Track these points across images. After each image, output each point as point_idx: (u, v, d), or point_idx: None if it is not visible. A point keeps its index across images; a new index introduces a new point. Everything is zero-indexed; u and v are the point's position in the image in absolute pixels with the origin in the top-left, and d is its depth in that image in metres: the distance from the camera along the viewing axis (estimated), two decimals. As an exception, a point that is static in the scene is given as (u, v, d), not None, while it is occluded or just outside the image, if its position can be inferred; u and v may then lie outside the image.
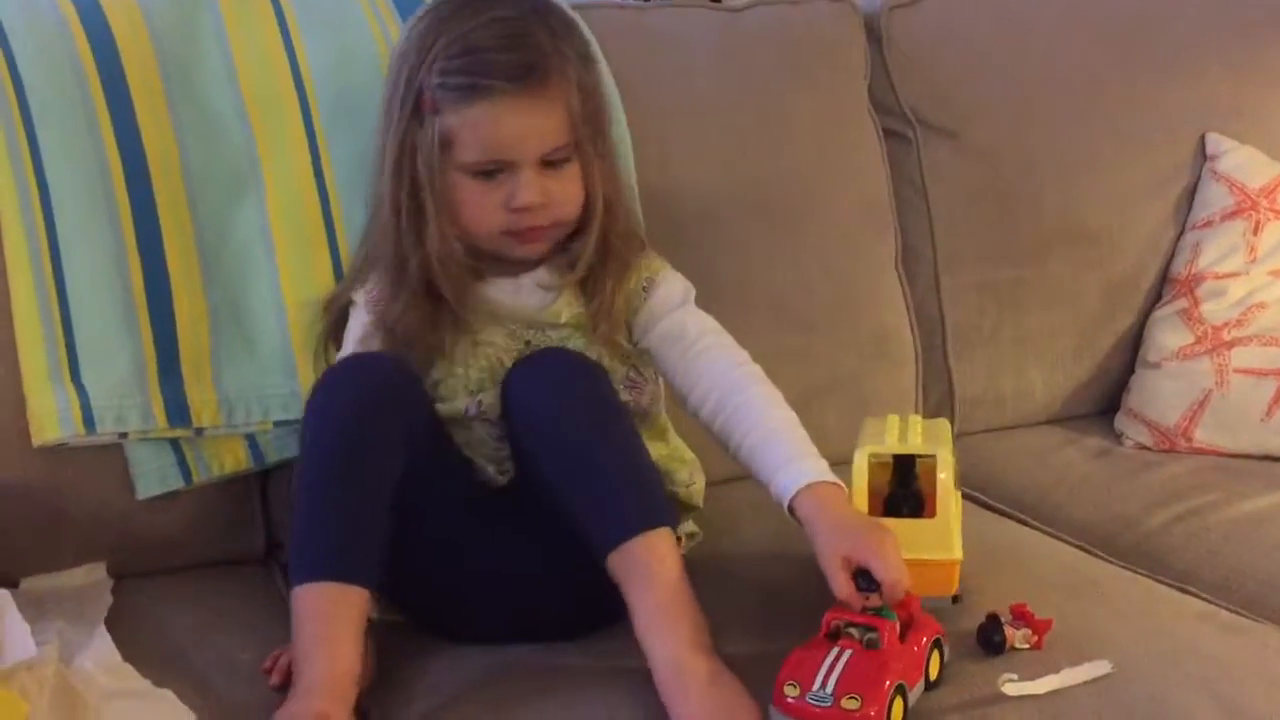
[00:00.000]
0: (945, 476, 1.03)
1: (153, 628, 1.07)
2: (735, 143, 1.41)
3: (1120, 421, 1.52)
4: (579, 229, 1.10)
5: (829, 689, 0.90)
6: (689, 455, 1.22)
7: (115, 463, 1.17)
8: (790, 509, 1.01)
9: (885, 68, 1.52)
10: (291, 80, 1.23)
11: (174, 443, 1.18)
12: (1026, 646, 1.02)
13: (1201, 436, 1.46)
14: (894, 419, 1.11)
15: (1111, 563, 1.25)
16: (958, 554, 1.03)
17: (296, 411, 1.20)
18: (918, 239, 1.51)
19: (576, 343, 1.11)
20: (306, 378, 1.20)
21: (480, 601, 1.07)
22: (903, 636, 0.95)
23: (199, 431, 1.18)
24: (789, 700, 0.91)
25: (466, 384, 1.11)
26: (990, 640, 1.02)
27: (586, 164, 1.08)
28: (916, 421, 1.11)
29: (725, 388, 1.08)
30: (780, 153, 1.43)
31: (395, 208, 1.08)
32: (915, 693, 0.94)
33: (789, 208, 1.42)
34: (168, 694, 0.94)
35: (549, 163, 1.06)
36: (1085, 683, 0.97)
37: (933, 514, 1.04)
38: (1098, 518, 1.35)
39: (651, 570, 0.98)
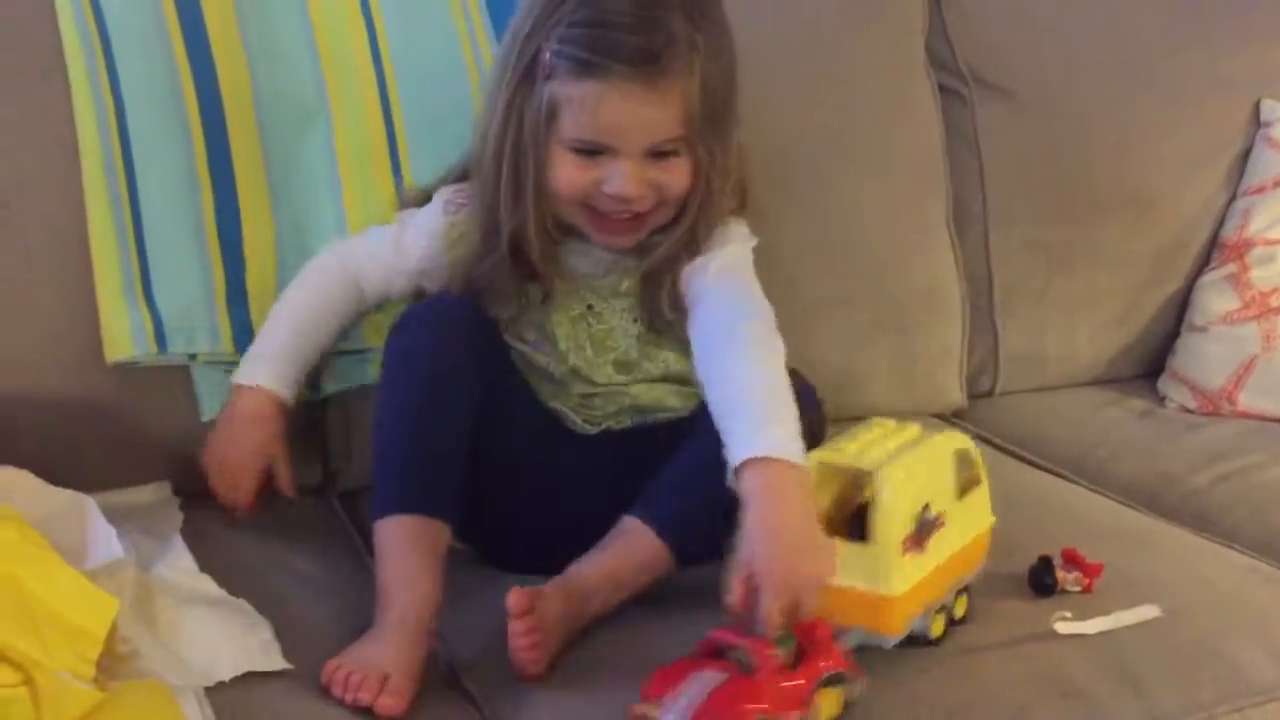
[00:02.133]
0: (887, 498, 0.90)
1: (219, 545, 1.08)
2: (792, 96, 1.41)
3: (1164, 384, 1.53)
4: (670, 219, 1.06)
5: (682, 713, 0.83)
6: None
7: (181, 385, 1.19)
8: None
9: (943, 24, 1.52)
10: (361, 15, 1.24)
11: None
12: (1077, 589, 1.04)
13: (1245, 400, 1.47)
14: (890, 424, 0.99)
15: (1157, 518, 1.27)
16: (893, 590, 0.91)
17: (355, 342, 1.22)
18: (969, 196, 1.52)
19: (637, 313, 1.10)
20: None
21: (547, 535, 1.08)
22: (796, 665, 0.87)
23: (262, 358, 1.21)
24: (644, 715, 0.85)
25: (541, 336, 1.11)
26: (1041, 582, 1.04)
27: (697, 160, 1.03)
28: (913, 430, 0.98)
29: (711, 341, 1.01)
30: (837, 107, 1.43)
31: (497, 165, 1.05)
32: None
33: (844, 161, 1.43)
34: (243, 604, 0.96)
35: (656, 153, 1.02)
36: (1135, 625, 0.99)
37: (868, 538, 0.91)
38: (1142, 476, 1.36)
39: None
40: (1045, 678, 0.94)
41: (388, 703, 0.89)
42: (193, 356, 1.17)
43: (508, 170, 1.04)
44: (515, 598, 0.93)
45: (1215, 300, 1.52)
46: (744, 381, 0.97)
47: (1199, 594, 1.06)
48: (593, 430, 1.13)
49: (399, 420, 1.03)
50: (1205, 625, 1.01)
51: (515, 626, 0.93)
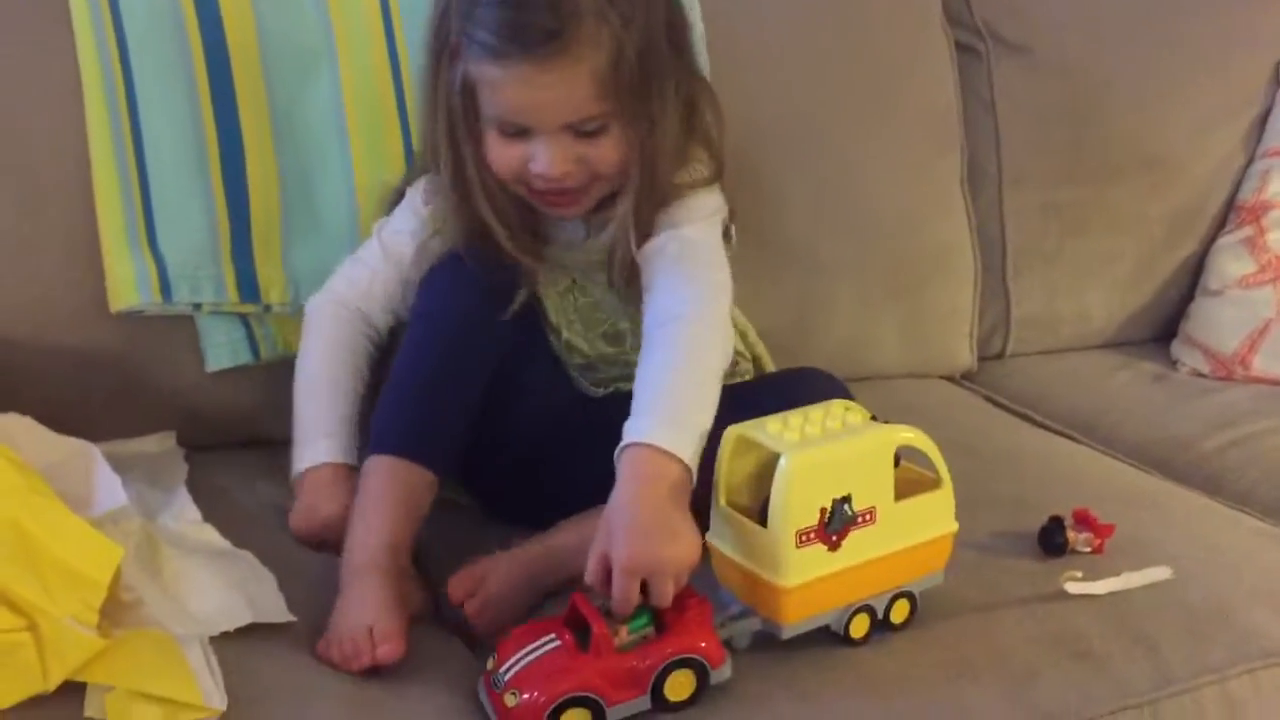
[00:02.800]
0: (783, 485, 0.86)
1: (222, 496, 1.08)
2: (805, 53, 1.39)
3: (1177, 348, 1.52)
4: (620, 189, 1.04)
5: (507, 675, 0.83)
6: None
7: (186, 335, 1.18)
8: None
9: (960, -21, 1.50)
10: (368, -39, 1.23)
11: (243, 318, 1.19)
12: (1087, 550, 1.03)
13: (1260, 365, 1.46)
14: (839, 405, 0.94)
15: (1169, 481, 1.26)
16: (783, 580, 0.88)
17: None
18: (983, 156, 1.50)
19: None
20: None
21: (555, 492, 1.07)
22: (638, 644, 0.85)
23: (267, 308, 1.20)
24: (485, 670, 0.86)
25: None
26: (1052, 541, 1.03)
27: (628, 129, 0.99)
28: (857, 417, 0.93)
29: (649, 334, 1.00)
30: (851, 63, 1.41)
31: (436, 152, 1.03)
32: (623, 709, 0.84)
33: (858, 119, 1.41)
34: (248, 555, 0.95)
35: (583, 130, 0.99)
36: (1146, 586, 0.98)
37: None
38: (1153, 439, 1.35)
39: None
40: (1056, 638, 0.94)
41: (384, 650, 0.88)
42: (198, 306, 1.17)
43: (448, 156, 1.02)
44: (452, 589, 0.96)
45: (1231, 263, 1.50)
46: (654, 375, 0.96)
47: (1210, 556, 1.05)
48: (600, 392, 1.12)
49: (411, 369, 1.02)
50: (1216, 588, 1.00)
51: (467, 608, 0.95)
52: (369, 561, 0.94)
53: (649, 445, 0.90)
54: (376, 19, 1.22)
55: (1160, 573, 1.00)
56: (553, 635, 0.85)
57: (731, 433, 0.91)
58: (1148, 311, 1.56)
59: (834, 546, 0.89)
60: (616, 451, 0.92)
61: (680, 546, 0.88)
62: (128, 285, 1.14)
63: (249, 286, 1.18)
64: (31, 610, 0.79)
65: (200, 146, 1.16)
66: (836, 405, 0.94)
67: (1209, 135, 1.54)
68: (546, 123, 0.98)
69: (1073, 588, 0.97)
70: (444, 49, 1.00)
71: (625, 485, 0.90)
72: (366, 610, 0.90)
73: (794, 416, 0.91)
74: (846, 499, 0.88)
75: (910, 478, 0.94)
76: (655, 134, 1.00)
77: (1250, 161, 1.54)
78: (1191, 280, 1.55)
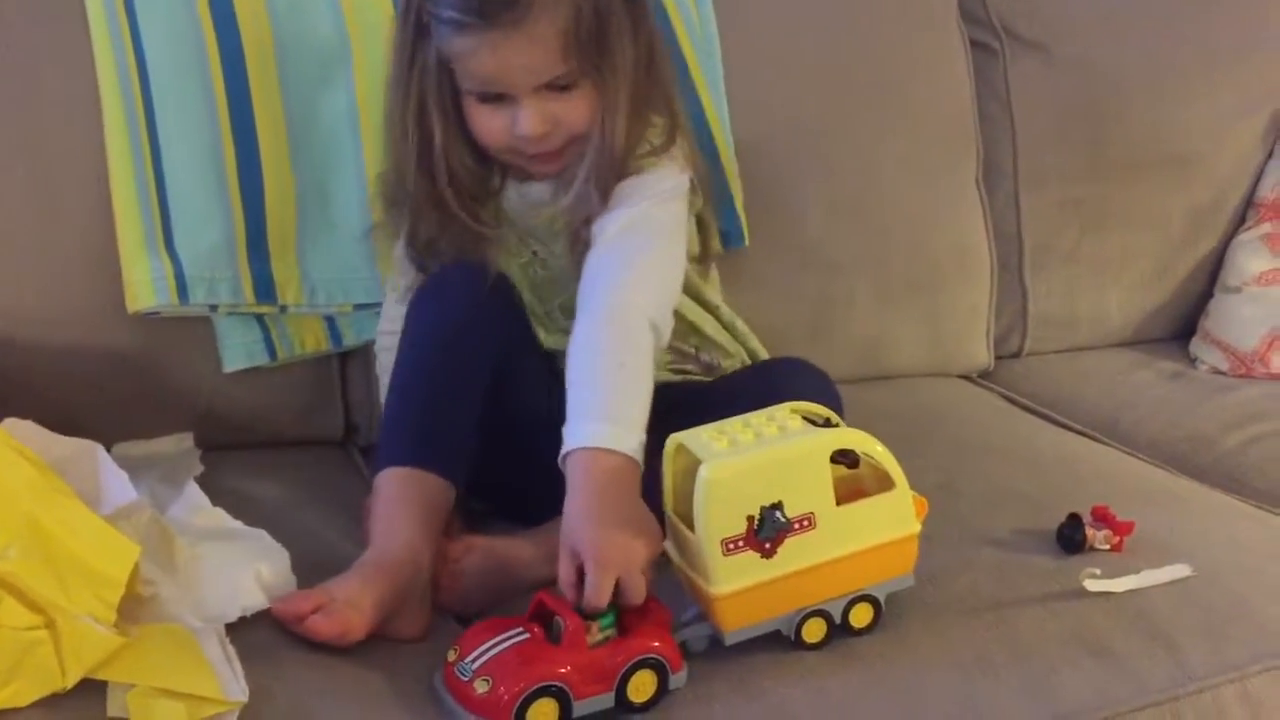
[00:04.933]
0: (702, 495, 0.85)
1: (238, 495, 1.08)
2: (820, 50, 1.39)
3: (1196, 346, 1.51)
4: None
5: (474, 664, 0.84)
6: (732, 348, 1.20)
7: (203, 336, 1.19)
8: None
9: (975, -24, 1.50)
10: (382, -36, 1.23)
11: (260, 319, 1.20)
12: (1106, 548, 1.03)
13: (1279, 363, 1.44)
14: (786, 409, 0.91)
15: (1188, 479, 1.25)
16: (714, 588, 0.87)
17: (376, 296, 1.22)
18: (1000, 154, 1.50)
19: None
20: (386, 263, 1.21)
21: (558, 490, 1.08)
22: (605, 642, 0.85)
23: (283, 309, 1.20)
24: (447, 661, 0.86)
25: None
26: (1070, 539, 1.03)
27: (600, 83, 1.02)
28: (795, 423, 0.90)
29: (580, 312, 1.00)
30: (866, 62, 1.41)
31: (403, 129, 1.05)
32: (589, 705, 0.84)
33: (873, 118, 1.41)
34: (261, 533, 0.95)
35: (556, 87, 1.01)
36: (1166, 584, 0.98)
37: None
38: (1172, 437, 1.35)
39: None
40: (1075, 635, 0.93)
41: (317, 620, 0.88)
42: (214, 307, 1.17)
43: (415, 134, 1.04)
44: (450, 546, 0.98)
45: (1250, 260, 1.49)
46: (583, 370, 0.96)
47: (1230, 554, 1.04)
48: None
49: (408, 379, 1.04)
50: (1236, 585, 1.00)
51: (441, 573, 0.97)
52: (387, 562, 0.94)
53: (590, 448, 0.91)
54: (390, 22, 1.22)
55: (1180, 570, 0.99)
56: (520, 629, 0.86)
57: (673, 441, 0.90)
58: (1166, 309, 1.55)
59: (768, 554, 0.87)
60: (560, 458, 0.92)
61: (645, 537, 0.89)
62: (145, 287, 1.14)
63: (265, 287, 1.18)
64: (49, 608, 0.79)
65: (216, 149, 1.17)
66: (782, 410, 0.91)
67: (1227, 131, 1.53)
68: (522, 85, 1.01)
69: (1092, 585, 0.96)
70: (415, 29, 1.02)
71: (579, 489, 0.90)
72: (340, 591, 0.90)
73: (733, 423, 0.90)
74: (777, 506, 0.87)
75: (879, 476, 0.92)
76: (616, 83, 1.02)
77: (1269, 157, 1.53)
78: (1210, 277, 1.54)
